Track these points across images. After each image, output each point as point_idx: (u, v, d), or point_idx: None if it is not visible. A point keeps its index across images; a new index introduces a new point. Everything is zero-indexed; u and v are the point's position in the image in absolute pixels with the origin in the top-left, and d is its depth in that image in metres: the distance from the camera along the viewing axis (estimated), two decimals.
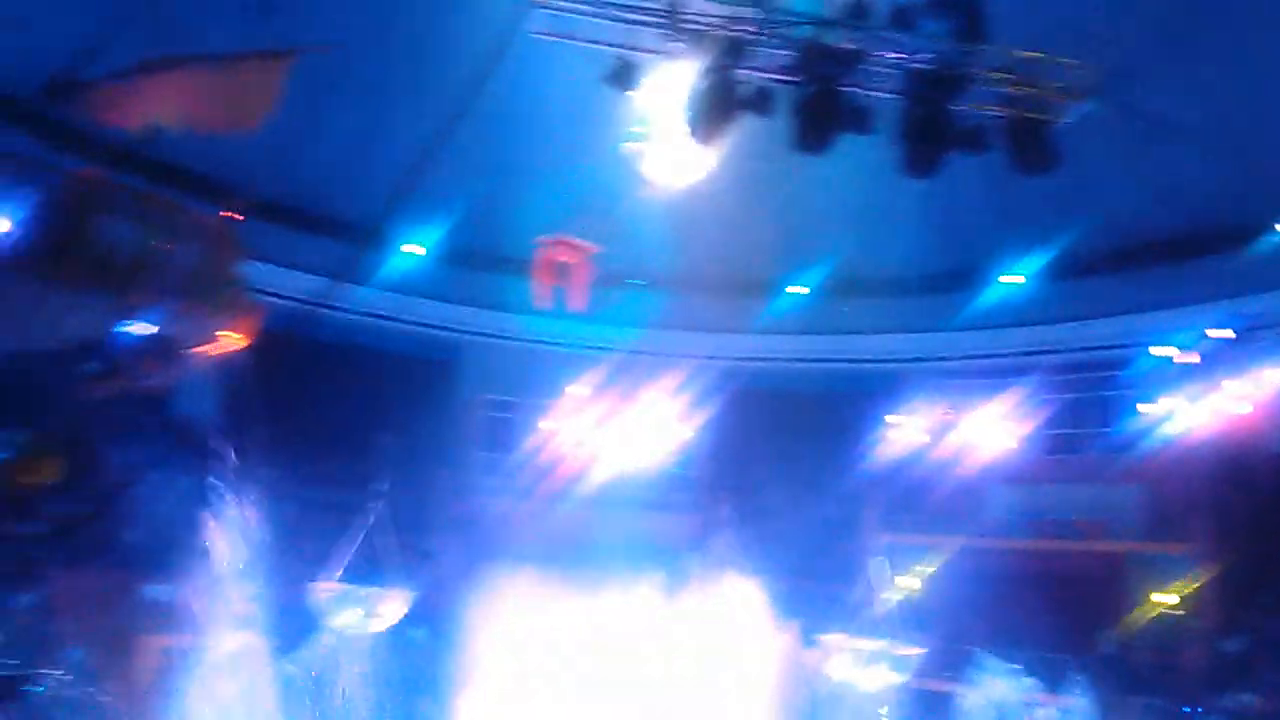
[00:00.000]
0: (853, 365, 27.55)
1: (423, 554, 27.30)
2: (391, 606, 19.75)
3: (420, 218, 18.62)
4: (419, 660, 22.94)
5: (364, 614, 19.70)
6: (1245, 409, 22.46)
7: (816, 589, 26.38)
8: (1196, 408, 23.31)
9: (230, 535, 21.62)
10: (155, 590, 22.05)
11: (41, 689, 17.19)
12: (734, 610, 20.77)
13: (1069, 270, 24.11)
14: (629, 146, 13.90)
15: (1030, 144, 11.68)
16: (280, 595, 19.39)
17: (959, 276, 24.47)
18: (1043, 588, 25.57)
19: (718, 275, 24.16)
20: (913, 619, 23.43)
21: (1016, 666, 20.63)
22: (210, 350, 16.98)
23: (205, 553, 21.72)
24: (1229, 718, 19.50)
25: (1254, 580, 22.61)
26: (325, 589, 19.26)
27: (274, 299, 20.87)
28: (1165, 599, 23.71)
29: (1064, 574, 25.57)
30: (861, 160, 16.97)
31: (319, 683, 20.59)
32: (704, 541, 24.17)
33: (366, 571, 24.48)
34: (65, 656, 18.37)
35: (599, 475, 25.04)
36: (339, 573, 19.63)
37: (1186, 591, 23.37)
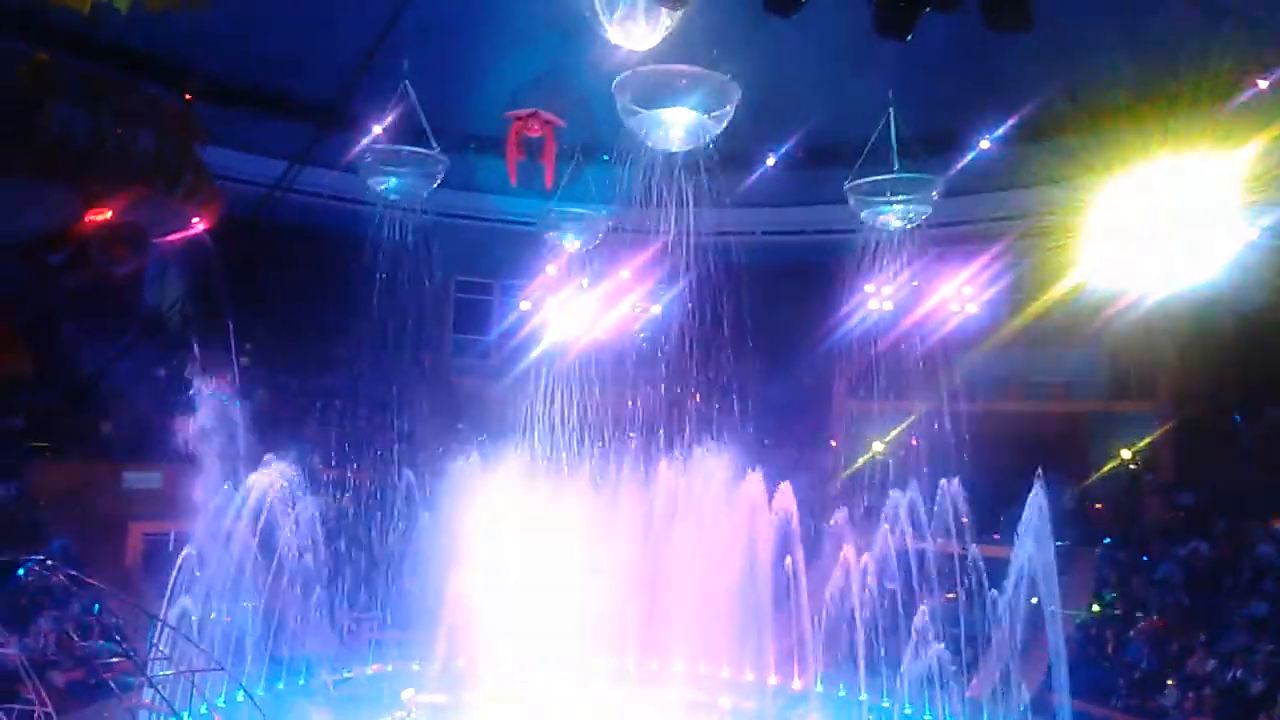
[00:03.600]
0: (822, 236, 27.57)
1: (400, 435, 27.62)
2: (435, 173, 18.70)
3: (383, 96, 18.09)
4: (401, 537, 23.48)
5: (411, 177, 18.71)
6: (1205, 268, 22.78)
7: (786, 457, 27.06)
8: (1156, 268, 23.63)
9: (204, 422, 21.73)
10: (135, 478, 22.29)
11: (28, 575, 17.42)
12: (706, 479, 21.18)
13: (1037, 133, 24.00)
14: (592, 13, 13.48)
15: (1005, 3, 11.33)
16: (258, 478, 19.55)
17: (929, 143, 24.28)
18: (1007, 448, 26.37)
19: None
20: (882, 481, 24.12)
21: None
22: (175, 237, 16.69)
23: (182, 440, 21.88)
24: (1183, 565, 20.39)
25: (1208, 436, 23.40)
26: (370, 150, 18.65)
27: (238, 184, 20.44)
28: (1124, 455, 24.54)
29: (1028, 434, 26.32)
30: (832, 25, 16.67)
31: (302, 561, 20.98)
32: (677, 414, 24.50)
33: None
34: (49, 545, 18.62)
35: (573, 352, 25.16)
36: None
37: (1145, 448, 24.18)
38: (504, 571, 18.72)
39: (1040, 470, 18.73)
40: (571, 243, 22.70)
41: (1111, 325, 24.72)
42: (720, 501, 20.46)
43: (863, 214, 18.70)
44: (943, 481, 20.06)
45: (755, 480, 20.94)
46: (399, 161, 18.20)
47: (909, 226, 19.22)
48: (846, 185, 18.64)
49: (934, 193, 18.71)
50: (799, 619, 20.52)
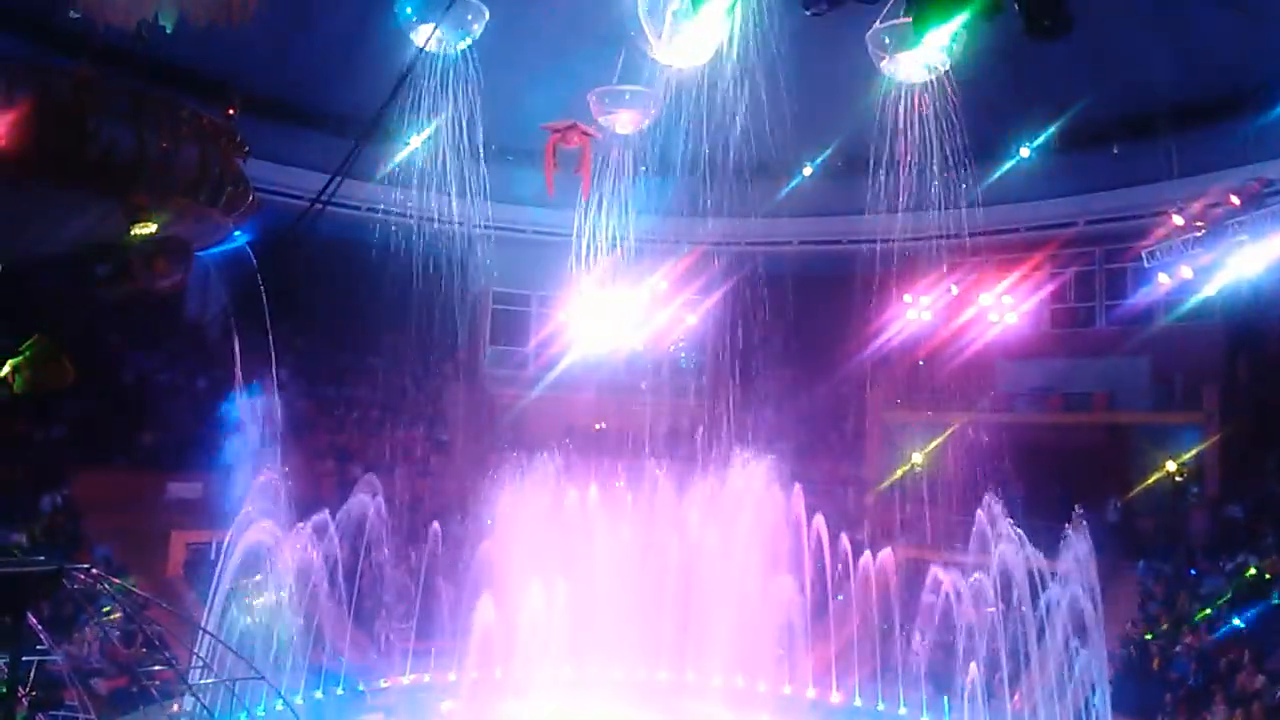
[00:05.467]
0: (860, 245, 27.39)
1: (437, 445, 27.78)
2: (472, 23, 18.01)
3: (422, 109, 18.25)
4: (437, 546, 23.52)
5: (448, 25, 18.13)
6: (1253, 277, 22.32)
7: (821, 468, 26.85)
8: (1204, 277, 23.20)
9: (245, 432, 21.96)
10: (178, 488, 22.55)
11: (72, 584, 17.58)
12: (743, 489, 21.05)
13: (1079, 141, 23.72)
14: (635, 30, 13.46)
15: (1045, 7, 11.17)
16: (298, 488, 19.73)
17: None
18: (1049, 460, 26.02)
19: (725, 160, 23.76)
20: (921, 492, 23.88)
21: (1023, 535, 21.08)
22: (216, 249, 16.87)
23: (223, 450, 22.11)
24: (1230, 580, 19.95)
25: (1257, 447, 22.91)
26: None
27: (279, 196, 20.66)
28: (1170, 467, 24.09)
29: (1070, 446, 25.93)
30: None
31: (340, 570, 21.07)
32: (713, 424, 24.42)
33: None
34: (93, 553, 18.85)
35: (609, 363, 25.17)
36: None
37: (1191, 460, 23.72)
38: (540, 582, 18.72)
39: (1082, 486, 18.49)
40: (624, 125, 19.13)
41: (1158, 333, 24.38)
42: (754, 513, 20.35)
43: (883, 65, 17.59)
44: (985, 497, 19.80)
45: (790, 492, 20.85)
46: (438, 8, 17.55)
47: (930, 77, 18.00)
48: (867, 35, 17.34)
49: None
50: (837, 633, 20.38)
